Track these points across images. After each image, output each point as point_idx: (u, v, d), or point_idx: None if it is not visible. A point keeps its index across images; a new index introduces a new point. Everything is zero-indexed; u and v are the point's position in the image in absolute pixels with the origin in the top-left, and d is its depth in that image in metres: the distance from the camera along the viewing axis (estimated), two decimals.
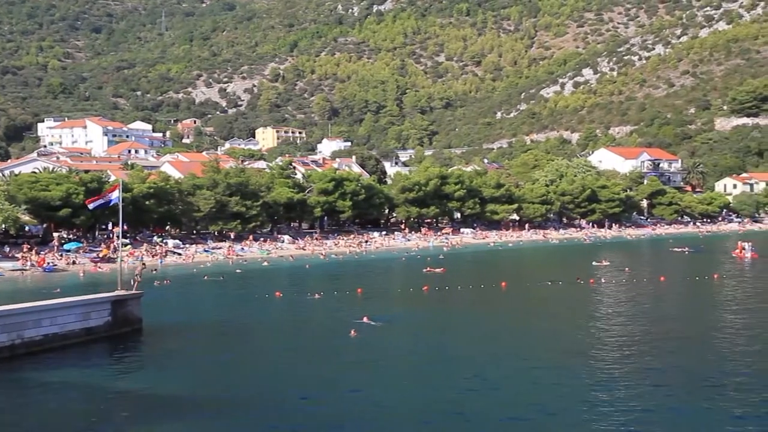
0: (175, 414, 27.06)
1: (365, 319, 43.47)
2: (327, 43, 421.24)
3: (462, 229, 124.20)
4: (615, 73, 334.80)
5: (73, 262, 76.64)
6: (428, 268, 74.44)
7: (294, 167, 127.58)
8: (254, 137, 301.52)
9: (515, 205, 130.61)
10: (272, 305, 52.08)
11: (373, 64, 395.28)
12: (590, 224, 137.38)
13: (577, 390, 29.56)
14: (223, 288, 62.41)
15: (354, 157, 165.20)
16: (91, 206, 43.63)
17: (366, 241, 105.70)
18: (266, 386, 30.72)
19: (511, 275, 68.91)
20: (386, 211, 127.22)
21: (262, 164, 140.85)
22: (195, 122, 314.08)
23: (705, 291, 59.63)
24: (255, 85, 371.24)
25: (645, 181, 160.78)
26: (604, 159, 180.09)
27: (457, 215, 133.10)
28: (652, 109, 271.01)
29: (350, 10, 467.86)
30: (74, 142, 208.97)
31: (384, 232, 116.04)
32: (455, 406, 27.74)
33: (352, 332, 39.93)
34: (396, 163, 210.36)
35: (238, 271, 75.35)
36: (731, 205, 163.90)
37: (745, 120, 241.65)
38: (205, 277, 68.53)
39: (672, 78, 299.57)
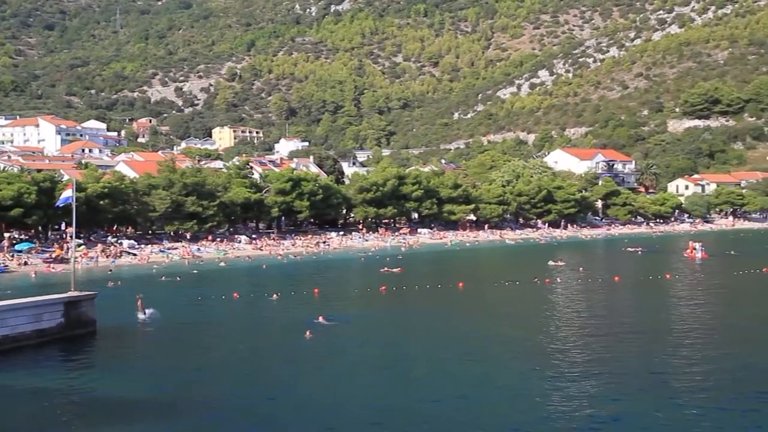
0: (127, 416, 26.75)
1: (320, 319, 43.40)
2: (284, 43, 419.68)
3: (419, 230, 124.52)
4: (570, 75, 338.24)
5: (25, 263, 75.39)
6: (385, 269, 74.52)
7: (251, 167, 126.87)
8: (211, 137, 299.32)
9: (472, 206, 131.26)
10: (229, 306, 51.74)
11: (331, 64, 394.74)
12: (546, 224, 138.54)
13: (531, 388, 29.80)
14: (180, 289, 61.83)
15: (311, 157, 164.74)
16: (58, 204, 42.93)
17: (323, 242, 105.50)
18: (219, 388, 30.53)
19: (468, 275, 69.20)
20: (344, 211, 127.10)
21: (218, 164, 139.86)
22: (150, 121, 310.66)
23: (658, 290, 60.48)
24: (212, 85, 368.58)
25: (600, 182, 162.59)
26: (560, 160, 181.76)
27: (415, 215, 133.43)
28: (607, 110, 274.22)
29: (308, 10, 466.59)
30: (26, 141, 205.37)
31: (341, 233, 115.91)
32: (407, 406, 27.80)
33: (307, 333, 39.84)
34: (354, 164, 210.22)
35: (194, 271, 74.73)
36: (683, 205, 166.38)
37: (696, 122, 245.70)
38: (162, 278, 67.86)
39: (626, 80, 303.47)
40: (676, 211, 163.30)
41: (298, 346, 38.30)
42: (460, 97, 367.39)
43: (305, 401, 28.24)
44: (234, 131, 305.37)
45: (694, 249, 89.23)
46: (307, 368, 33.77)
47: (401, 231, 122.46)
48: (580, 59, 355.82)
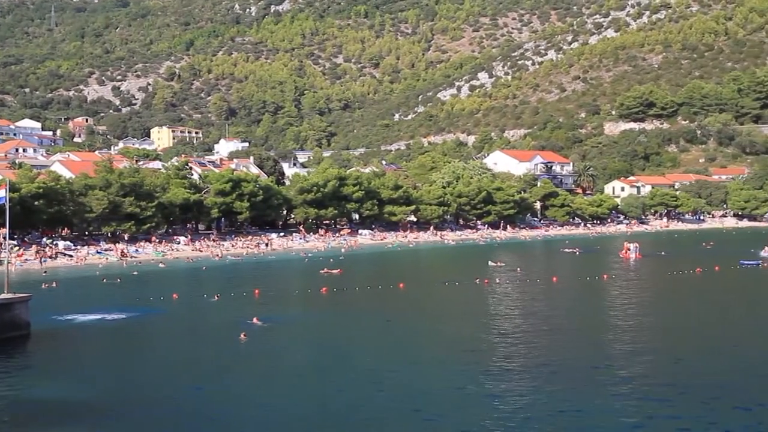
0: (62, 419, 26.38)
1: (255, 320, 43.20)
2: (224, 43, 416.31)
3: (360, 231, 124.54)
4: (509, 78, 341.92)
5: None
6: (325, 270, 74.39)
7: (190, 168, 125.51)
8: (149, 137, 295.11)
9: (413, 207, 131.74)
10: (168, 308, 51.14)
11: (271, 64, 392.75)
12: (485, 225, 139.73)
13: (470, 388, 30.08)
14: (119, 290, 60.89)
15: (252, 157, 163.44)
16: None
17: (264, 243, 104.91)
18: (151, 391, 30.23)
19: (408, 276, 69.51)
20: (284, 212, 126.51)
21: (157, 164, 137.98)
22: (87, 121, 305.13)
23: (594, 290, 61.53)
24: (150, 84, 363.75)
25: (538, 184, 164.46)
26: (499, 161, 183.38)
27: (356, 217, 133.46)
28: (545, 113, 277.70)
29: (247, 10, 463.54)
30: None
31: (282, 234, 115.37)
32: (342, 407, 27.86)
33: (242, 335, 39.59)
34: (294, 165, 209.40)
35: (134, 273, 73.65)
36: (619, 207, 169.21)
37: (632, 125, 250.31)
38: (104, 280, 66.73)
39: (563, 83, 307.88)
40: (613, 212, 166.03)
41: (233, 348, 38.10)
42: (400, 98, 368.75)
43: (237, 404, 28.10)
44: (173, 131, 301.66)
45: (629, 250, 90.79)
46: (240, 370, 33.68)
47: (342, 232, 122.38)
48: (519, 62, 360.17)
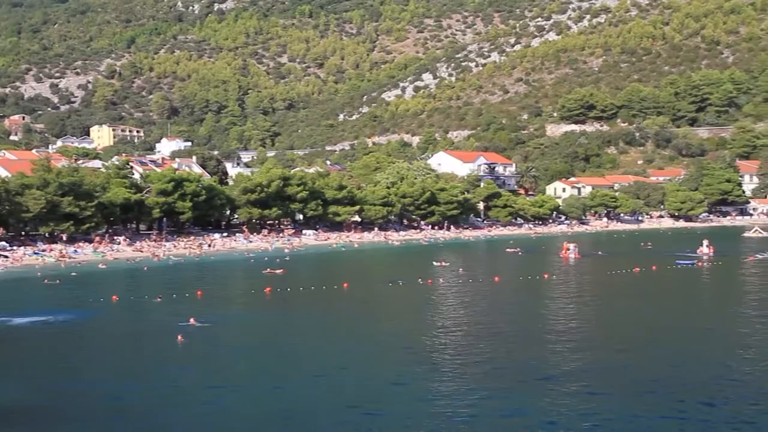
0: None
1: (192, 321, 42.90)
2: (166, 41, 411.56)
3: (304, 231, 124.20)
4: (453, 79, 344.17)
5: None
6: (269, 270, 74.10)
7: (131, 167, 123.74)
8: (89, 135, 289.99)
9: (357, 207, 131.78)
10: (107, 309, 50.45)
11: (215, 63, 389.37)
12: (429, 226, 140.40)
13: (413, 387, 30.31)
14: (58, 292, 59.81)
15: (194, 157, 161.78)
16: None
17: (206, 243, 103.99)
18: (89, 394, 29.89)
19: (353, 276, 69.61)
20: (228, 212, 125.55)
21: (97, 163, 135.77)
22: (24, 118, 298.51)
23: (535, 290, 62.34)
24: (89, 82, 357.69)
25: (482, 184, 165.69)
26: (443, 162, 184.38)
27: (300, 217, 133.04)
28: (488, 114, 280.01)
29: (190, 8, 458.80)
30: None
31: (225, 234, 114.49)
32: (278, 405, 27.91)
33: (179, 337, 39.25)
34: (238, 164, 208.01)
35: (73, 274, 72.37)
36: (561, 207, 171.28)
37: (573, 126, 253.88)
38: (45, 281, 65.47)
39: (506, 85, 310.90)
40: (554, 212, 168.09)
41: (170, 350, 37.75)
42: (345, 98, 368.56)
43: (171, 405, 28.00)
44: (113, 130, 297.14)
45: (568, 250, 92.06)
46: (176, 371, 33.47)
47: (285, 232, 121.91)
48: (463, 63, 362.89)
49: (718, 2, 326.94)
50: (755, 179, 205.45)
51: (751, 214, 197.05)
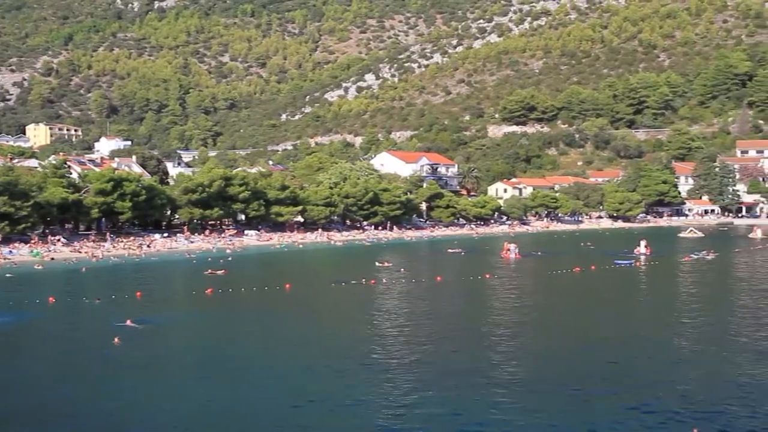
0: None
1: (129, 322, 42.35)
2: (105, 38, 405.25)
3: (246, 231, 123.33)
4: (396, 80, 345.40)
5: None
6: (210, 271, 73.43)
7: (69, 166, 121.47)
8: (25, 134, 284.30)
9: (300, 207, 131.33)
10: (44, 311, 49.45)
11: (155, 61, 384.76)
12: (372, 226, 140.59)
13: (355, 388, 30.34)
14: None
15: (134, 156, 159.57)
16: None
17: (147, 244, 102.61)
18: (22, 398, 29.34)
19: (295, 277, 69.36)
20: (168, 212, 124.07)
21: (33, 163, 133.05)
22: None
23: (477, 290, 62.85)
24: (25, 79, 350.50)
25: (424, 185, 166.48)
26: (386, 163, 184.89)
27: (242, 217, 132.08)
28: (431, 115, 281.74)
29: (130, 5, 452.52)
30: None
31: (166, 234, 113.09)
32: (214, 407, 27.74)
33: (116, 339, 38.67)
34: (179, 164, 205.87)
35: (8, 275, 70.71)
36: (502, 208, 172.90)
37: (514, 128, 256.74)
38: None
39: (449, 86, 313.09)
40: (496, 213, 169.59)
41: (106, 352, 37.17)
42: (287, 98, 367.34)
43: (106, 408, 27.66)
44: (50, 128, 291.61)
45: (509, 250, 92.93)
46: (111, 373, 33.06)
47: (227, 232, 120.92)
48: (405, 64, 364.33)
49: (655, 7, 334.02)
50: (690, 180, 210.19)
51: (687, 215, 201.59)
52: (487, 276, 71.43)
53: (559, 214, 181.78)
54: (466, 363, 34.79)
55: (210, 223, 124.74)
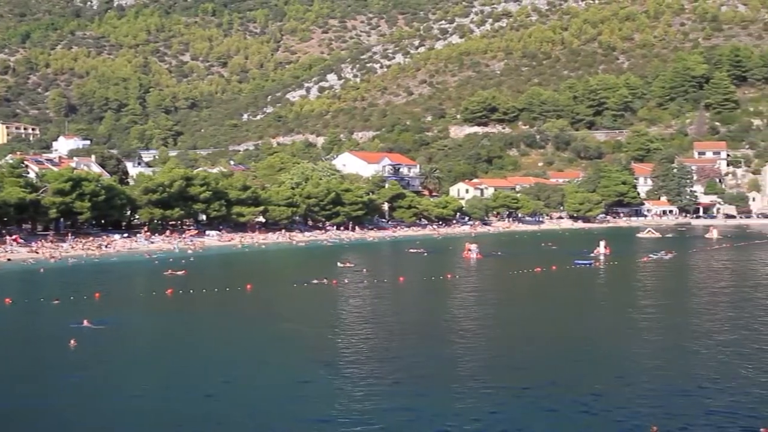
0: None
1: (86, 323, 41.88)
2: (63, 37, 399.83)
3: (207, 232, 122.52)
4: (358, 80, 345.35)
5: None
6: (170, 271, 72.79)
7: (26, 166, 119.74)
8: None
9: (261, 208, 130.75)
10: None
11: (114, 60, 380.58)
12: (334, 226, 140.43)
13: (317, 388, 30.34)
14: None
15: (93, 156, 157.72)
16: None
17: (106, 244, 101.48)
18: None
19: (256, 277, 69.08)
20: (128, 212, 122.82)
21: None
22: None
23: (439, 290, 63.08)
24: None
25: (386, 185, 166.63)
26: (348, 163, 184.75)
27: (203, 217, 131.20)
28: (393, 115, 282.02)
29: (88, 3, 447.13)
30: None
31: (126, 235, 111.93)
32: (170, 409, 27.58)
33: (72, 341, 38.17)
34: (139, 164, 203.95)
35: None
36: (464, 208, 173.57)
37: (476, 129, 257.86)
38: None
39: (411, 86, 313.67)
40: (458, 213, 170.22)
41: (61, 354, 36.73)
42: (249, 98, 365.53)
43: (59, 411, 27.40)
44: (7, 127, 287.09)
45: (470, 250, 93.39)
46: (65, 375, 32.70)
47: (188, 233, 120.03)
48: (368, 65, 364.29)
49: (614, 9, 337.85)
50: (649, 181, 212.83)
51: (645, 215, 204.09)
52: (449, 276, 71.73)
53: (520, 215, 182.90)
54: (426, 363, 34.89)
55: (171, 223, 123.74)
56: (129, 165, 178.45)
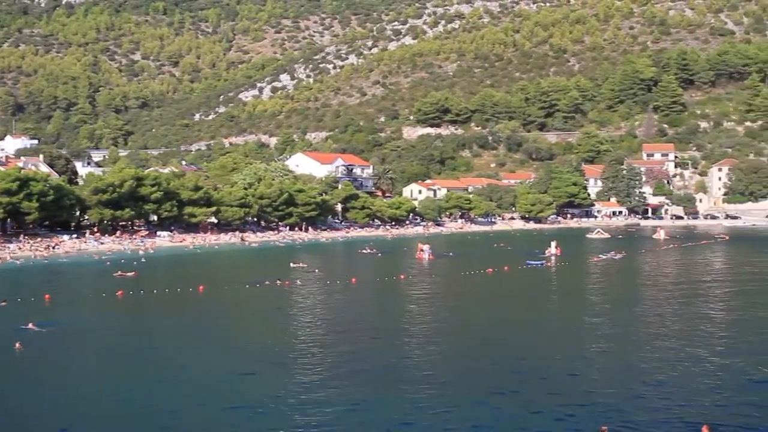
0: None
1: (31, 326, 41.25)
2: (10, 34, 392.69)
3: (159, 232, 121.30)
4: (311, 80, 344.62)
5: None
6: (119, 272, 71.87)
7: None
8: None
9: (213, 208, 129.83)
10: None
11: (63, 58, 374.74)
12: (287, 227, 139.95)
13: (268, 389, 30.28)
14: None
15: (41, 156, 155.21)
16: None
17: (55, 245, 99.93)
18: None
19: (209, 278, 68.59)
20: (77, 213, 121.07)
21: None
22: None
23: (391, 291, 63.23)
24: None
25: (339, 186, 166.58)
26: (301, 163, 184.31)
27: (154, 218, 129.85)
28: (346, 116, 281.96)
29: (36, 1, 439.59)
30: None
31: (75, 235, 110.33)
32: (117, 412, 27.36)
33: (17, 344, 37.57)
34: (88, 164, 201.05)
35: None
36: (417, 209, 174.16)
37: (429, 130, 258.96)
38: None
39: (364, 87, 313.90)
40: (411, 214, 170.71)
41: (5, 358, 36.14)
42: (201, 98, 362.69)
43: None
44: None
45: (422, 251, 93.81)
46: (8, 378, 32.20)
47: (139, 233, 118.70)
48: (321, 65, 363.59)
49: (565, 12, 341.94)
50: (599, 183, 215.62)
51: (595, 216, 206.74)
52: (402, 277, 71.95)
53: (473, 216, 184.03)
54: (376, 363, 35.02)
55: (121, 224, 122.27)
56: (78, 165, 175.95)
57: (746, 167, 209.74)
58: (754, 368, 33.50)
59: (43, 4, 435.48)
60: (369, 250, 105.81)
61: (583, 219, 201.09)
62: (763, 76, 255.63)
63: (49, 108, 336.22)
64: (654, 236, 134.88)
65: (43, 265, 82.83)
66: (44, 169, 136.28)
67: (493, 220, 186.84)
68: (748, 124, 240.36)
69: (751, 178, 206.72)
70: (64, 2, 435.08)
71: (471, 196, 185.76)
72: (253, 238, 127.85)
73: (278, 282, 65.22)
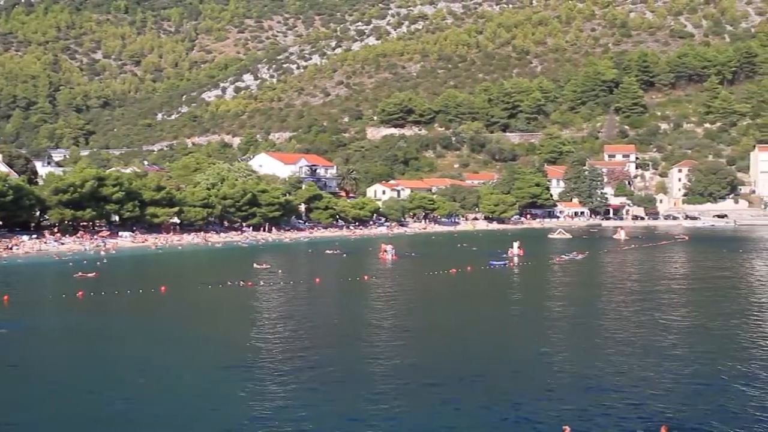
0: None
1: None
2: None
3: (120, 233, 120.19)
4: (275, 80, 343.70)
5: None
6: (80, 273, 71.08)
7: None
8: None
9: (176, 208, 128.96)
10: None
11: (22, 57, 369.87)
12: (251, 228, 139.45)
13: (232, 391, 30.22)
14: None
15: (0, 155, 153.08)
16: None
17: (14, 245, 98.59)
18: None
19: (171, 279, 68.18)
20: (37, 213, 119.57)
21: None
22: None
23: (355, 291, 63.28)
24: None
25: (303, 186, 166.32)
26: (265, 164, 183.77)
27: (116, 218, 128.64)
28: (310, 116, 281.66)
29: None
30: None
31: (35, 236, 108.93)
32: (81, 413, 27.19)
33: None
34: (49, 163, 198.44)
35: None
36: (381, 209, 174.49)
37: (393, 130, 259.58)
38: None
39: (328, 87, 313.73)
40: (375, 215, 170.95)
41: None
42: (163, 97, 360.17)
43: None
44: None
45: (386, 251, 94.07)
46: None
47: (100, 234, 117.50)
48: (284, 65, 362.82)
49: (527, 14, 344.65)
50: (561, 183, 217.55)
51: (558, 217, 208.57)
52: (366, 277, 72.02)
53: (437, 216, 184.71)
54: (339, 364, 35.10)
55: (82, 224, 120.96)
56: (38, 164, 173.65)
57: (705, 168, 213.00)
58: (712, 369, 34.05)
59: (2, 2, 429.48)
60: (333, 251, 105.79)
61: (545, 219, 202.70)
62: (722, 79, 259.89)
63: (8, 107, 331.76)
64: (614, 236, 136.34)
65: (2, 266, 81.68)
66: (3, 168, 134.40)
67: (456, 220, 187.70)
68: (707, 125, 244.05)
69: (710, 179, 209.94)
70: (23, 0, 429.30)
71: (435, 196, 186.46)
72: (216, 239, 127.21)
73: (241, 282, 65.01)
